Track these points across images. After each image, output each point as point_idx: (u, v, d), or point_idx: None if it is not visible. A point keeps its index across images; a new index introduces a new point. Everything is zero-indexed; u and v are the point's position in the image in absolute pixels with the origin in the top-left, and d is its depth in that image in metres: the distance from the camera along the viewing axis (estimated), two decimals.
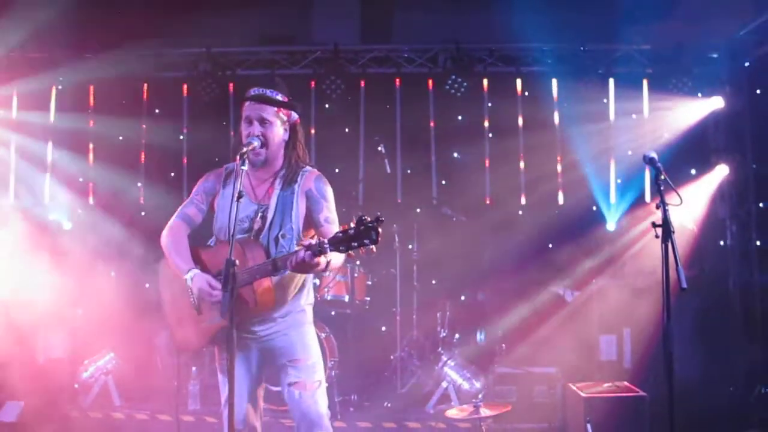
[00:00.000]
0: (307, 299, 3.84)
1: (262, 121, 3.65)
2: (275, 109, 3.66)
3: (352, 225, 3.22)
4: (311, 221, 3.69)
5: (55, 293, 6.82)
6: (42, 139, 7.91)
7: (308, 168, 3.79)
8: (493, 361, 7.18)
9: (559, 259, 7.72)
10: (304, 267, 3.33)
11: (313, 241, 3.27)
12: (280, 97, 3.69)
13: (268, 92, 3.68)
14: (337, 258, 3.44)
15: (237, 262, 3.32)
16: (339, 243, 3.22)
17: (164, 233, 3.80)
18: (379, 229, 3.17)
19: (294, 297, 3.74)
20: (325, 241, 3.25)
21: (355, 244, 3.19)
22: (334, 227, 3.64)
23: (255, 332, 3.71)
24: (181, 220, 3.82)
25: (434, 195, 8.22)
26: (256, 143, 3.58)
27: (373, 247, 3.20)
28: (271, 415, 5.86)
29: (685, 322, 6.99)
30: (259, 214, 3.67)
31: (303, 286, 3.79)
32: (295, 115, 3.76)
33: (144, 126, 8.12)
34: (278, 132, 3.69)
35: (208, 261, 3.69)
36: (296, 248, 3.49)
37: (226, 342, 3.27)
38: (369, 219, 3.18)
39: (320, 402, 3.71)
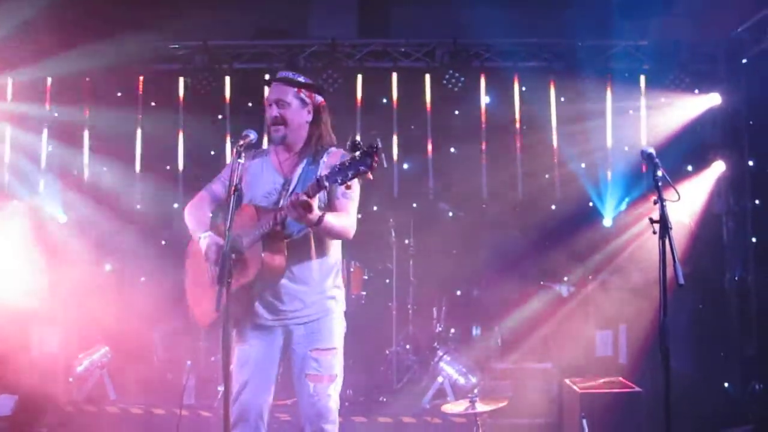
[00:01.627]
0: (335, 282, 3.79)
1: (280, 103, 3.70)
2: (295, 90, 3.74)
3: (348, 155, 3.19)
4: (331, 193, 3.65)
5: (49, 287, 6.82)
6: (37, 131, 7.89)
7: (334, 148, 3.80)
8: (488, 357, 7.20)
9: (556, 254, 7.73)
10: (298, 208, 3.27)
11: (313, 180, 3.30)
12: (302, 79, 3.77)
13: (291, 74, 3.79)
14: (333, 218, 3.46)
15: (234, 256, 3.31)
16: (335, 175, 3.20)
17: (188, 205, 3.88)
18: (376, 156, 3.11)
19: (321, 279, 3.70)
20: (323, 174, 3.26)
21: (351, 172, 3.15)
22: (349, 202, 3.65)
23: (284, 311, 3.66)
24: (207, 193, 3.90)
25: (431, 190, 8.21)
26: (252, 135, 3.57)
27: (369, 174, 3.14)
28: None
29: (680, 318, 7.01)
30: (284, 188, 3.69)
31: (331, 267, 3.75)
32: (319, 98, 3.81)
33: (140, 119, 8.09)
34: (298, 112, 3.74)
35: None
36: None
37: (222, 338, 3.22)
38: (364, 144, 3.14)
39: (333, 396, 3.67)
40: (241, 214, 3.59)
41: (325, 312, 3.72)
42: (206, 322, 3.74)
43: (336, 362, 3.70)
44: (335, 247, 3.78)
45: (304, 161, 3.72)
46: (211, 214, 3.85)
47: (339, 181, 3.19)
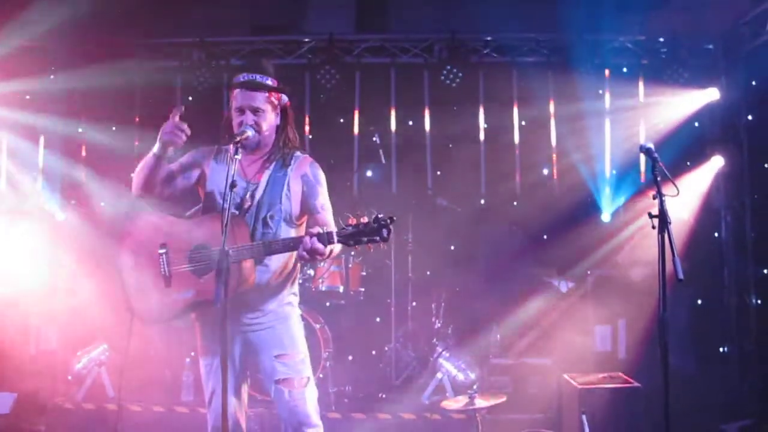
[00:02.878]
0: (292, 289, 3.80)
1: (255, 111, 3.61)
2: (266, 94, 3.63)
3: (363, 221, 3.26)
4: (306, 206, 3.67)
5: (48, 284, 6.80)
6: (33, 131, 7.86)
7: (300, 153, 3.78)
8: (487, 351, 7.19)
9: (555, 249, 7.73)
10: (312, 254, 3.27)
11: (322, 230, 3.26)
12: (270, 82, 3.65)
13: (258, 77, 3.64)
14: (338, 247, 3.44)
15: (230, 252, 3.28)
16: (349, 237, 3.25)
17: (138, 169, 3.71)
18: (391, 228, 3.23)
19: (279, 287, 3.70)
20: (333, 232, 3.26)
21: (366, 239, 3.23)
22: (328, 214, 3.66)
23: (240, 321, 3.65)
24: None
25: (429, 186, 8.20)
26: (250, 132, 3.55)
27: (383, 244, 3.25)
28: (265, 406, 5.85)
29: (679, 313, 7.01)
30: (248, 193, 3.64)
31: (289, 275, 3.75)
32: (285, 98, 3.73)
33: (137, 117, 8.07)
34: (270, 118, 3.67)
35: (190, 231, 3.60)
36: (294, 235, 3.52)
37: (219, 335, 3.21)
38: (383, 217, 3.23)
39: (309, 399, 3.67)
40: (213, 221, 3.54)
41: (282, 319, 3.72)
42: (147, 320, 3.71)
43: (304, 365, 3.69)
44: (294, 258, 3.76)
45: (272, 166, 3.68)
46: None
47: (351, 243, 3.25)
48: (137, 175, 3.69)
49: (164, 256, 3.56)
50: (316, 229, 3.26)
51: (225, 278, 3.19)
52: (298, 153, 3.77)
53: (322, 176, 3.74)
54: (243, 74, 3.65)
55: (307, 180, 3.68)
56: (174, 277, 3.56)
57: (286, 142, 3.75)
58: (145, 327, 3.73)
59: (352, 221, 3.28)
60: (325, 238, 3.24)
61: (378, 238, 3.22)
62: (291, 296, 3.80)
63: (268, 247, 3.44)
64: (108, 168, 7.88)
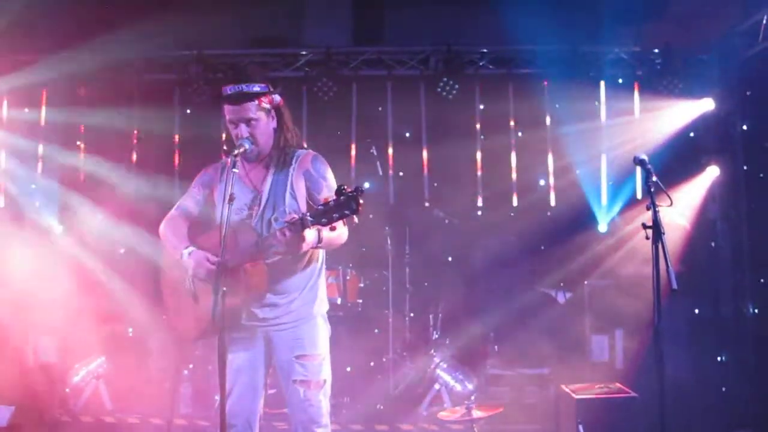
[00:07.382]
0: (317, 290, 3.75)
1: (248, 121, 3.59)
2: (256, 102, 3.59)
3: (333, 196, 3.18)
4: (313, 202, 3.63)
5: (45, 296, 6.80)
6: (32, 142, 7.88)
7: (302, 150, 3.76)
8: (485, 362, 7.20)
9: (552, 260, 7.74)
10: (292, 245, 3.26)
11: (295, 217, 3.25)
12: (257, 88, 3.60)
13: (245, 87, 3.58)
14: (329, 233, 3.36)
15: (229, 261, 3.31)
16: (320, 216, 3.18)
17: (162, 223, 3.79)
18: (360, 200, 3.11)
19: (302, 284, 3.67)
20: (307, 213, 3.22)
21: (336, 215, 3.14)
22: None
23: (264, 318, 3.65)
24: (180, 211, 3.82)
25: (426, 197, 8.21)
26: (247, 146, 3.56)
27: (355, 217, 3.15)
28: (264, 418, 5.83)
29: (676, 322, 7.02)
30: (256, 201, 3.65)
31: (313, 272, 3.72)
32: (277, 98, 3.68)
33: (135, 129, 8.09)
34: (265, 125, 3.65)
35: (202, 245, 3.63)
36: (308, 234, 3.45)
37: (217, 344, 3.23)
38: (349, 189, 3.13)
39: (323, 401, 3.67)
40: (216, 234, 3.55)
41: (305, 318, 3.69)
42: (189, 338, 3.75)
43: (323, 368, 3.68)
44: (314, 254, 3.73)
45: (272, 170, 3.67)
46: (186, 230, 3.73)
47: (323, 222, 3.18)
48: (163, 238, 3.77)
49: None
50: (290, 217, 3.27)
51: (221, 290, 3.20)
52: (300, 150, 3.74)
53: (325, 169, 3.70)
54: (229, 87, 3.60)
55: (309, 175, 3.66)
56: (199, 292, 3.57)
57: (285, 143, 3.72)
58: (188, 345, 3.78)
59: (325, 200, 3.22)
60: (299, 223, 3.22)
61: (348, 212, 3.12)
62: (316, 296, 3.75)
63: (258, 246, 3.43)
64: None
